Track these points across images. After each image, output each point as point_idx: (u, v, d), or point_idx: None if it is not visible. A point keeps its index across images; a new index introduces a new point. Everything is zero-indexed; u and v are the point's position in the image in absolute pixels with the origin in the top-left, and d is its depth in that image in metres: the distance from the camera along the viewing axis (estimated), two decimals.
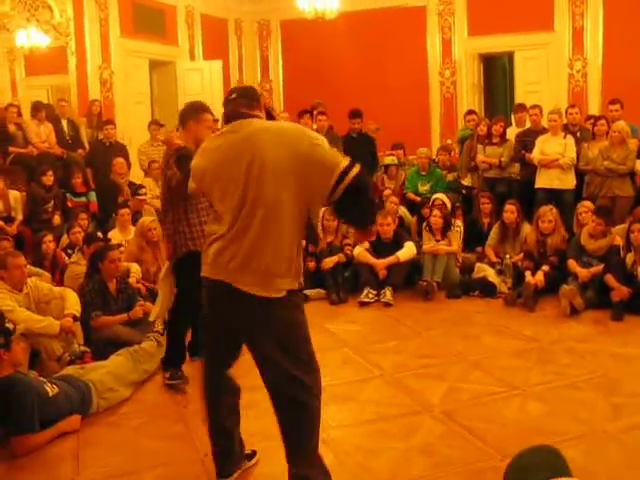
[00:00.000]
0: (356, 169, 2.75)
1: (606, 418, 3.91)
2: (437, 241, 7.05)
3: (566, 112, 8.33)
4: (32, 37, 9.09)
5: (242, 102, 3.02)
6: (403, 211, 8.16)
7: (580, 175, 7.77)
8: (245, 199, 2.79)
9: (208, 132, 4.52)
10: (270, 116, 3.23)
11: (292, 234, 2.84)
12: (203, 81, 11.64)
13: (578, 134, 8.04)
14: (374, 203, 2.95)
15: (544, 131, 8.02)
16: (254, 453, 3.52)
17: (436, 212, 7.15)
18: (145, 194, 8.12)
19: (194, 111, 4.64)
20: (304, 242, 7.00)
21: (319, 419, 2.97)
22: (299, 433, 2.94)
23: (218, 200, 2.93)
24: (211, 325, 3.09)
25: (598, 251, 6.33)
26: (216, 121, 5.61)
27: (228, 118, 3.00)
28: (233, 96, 3.07)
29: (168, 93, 11.79)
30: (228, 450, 3.29)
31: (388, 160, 9.15)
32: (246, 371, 5.03)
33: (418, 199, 8.46)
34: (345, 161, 2.77)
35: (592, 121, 8.26)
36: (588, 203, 7.02)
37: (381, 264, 6.78)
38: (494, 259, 7.04)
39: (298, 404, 2.89)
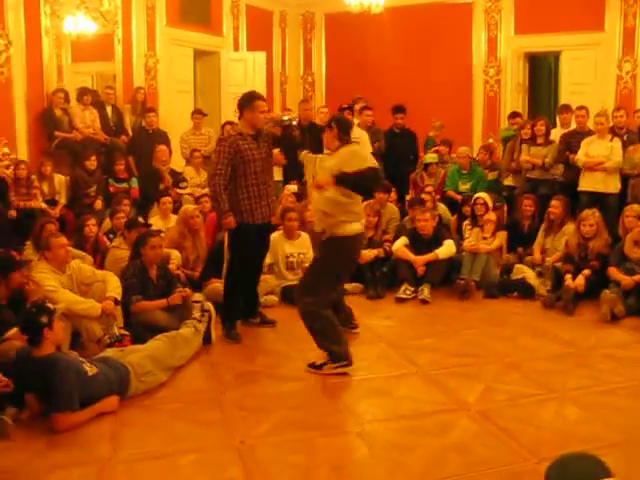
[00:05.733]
0: None
1: None
2: (485, 239, 7.05)
3: (612, 115, 8.17)
4: (80, 24, 9.19)
5: None
6: (443, 209, 8.08)
7: (625, 179, 7.64)
8: None
9: (262, 117, 5.23)
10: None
11: None
12: (246, 72, 11.65)
13: (625, 137, 7.89)
14: None
15: (590, 133, 7.88)
16: None
17: (491, 213, 7.21)
18: (186, 187, 8.22)
19: (248, 100, 5.22)
20: None
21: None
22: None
23: None
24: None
25: None
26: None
27: None
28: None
29: (211, 83, 11.86)
30: None
31: (429, 159, 9.08)
32: (281, 362, 5.08)
33: (459, 197, 8.39)
34: None
35: None
36: (637, 207, 6.80)
37: (420, 261, 6.75)
38: (538, 257, 6.97)
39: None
